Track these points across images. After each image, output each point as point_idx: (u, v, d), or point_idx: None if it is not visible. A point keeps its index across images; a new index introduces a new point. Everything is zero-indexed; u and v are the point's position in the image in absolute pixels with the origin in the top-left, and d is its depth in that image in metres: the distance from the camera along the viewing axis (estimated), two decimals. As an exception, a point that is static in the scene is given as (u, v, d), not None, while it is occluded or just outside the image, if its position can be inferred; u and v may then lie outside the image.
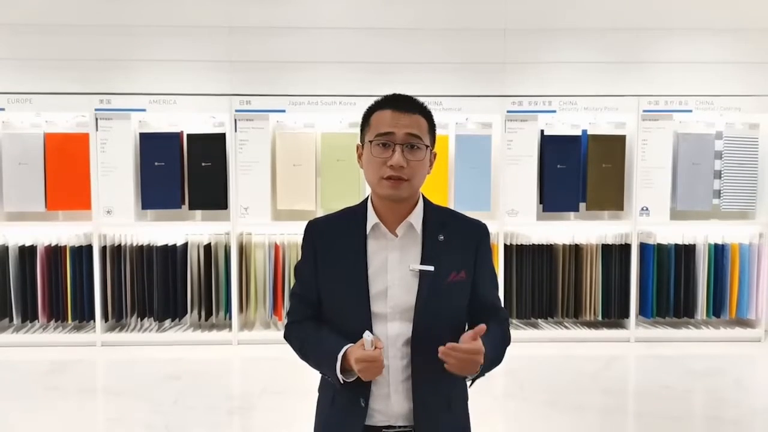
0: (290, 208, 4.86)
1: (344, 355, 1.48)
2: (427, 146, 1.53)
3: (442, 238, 1.57)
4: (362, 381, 1.50)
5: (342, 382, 1.50)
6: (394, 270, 1.54)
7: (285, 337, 1.68)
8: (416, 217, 1.58)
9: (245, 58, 4.93)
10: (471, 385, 1.57)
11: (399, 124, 1.50)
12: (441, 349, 1.41)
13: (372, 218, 1.57)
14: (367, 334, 1.43)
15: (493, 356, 1.53)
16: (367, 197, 1.62)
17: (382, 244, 1.56)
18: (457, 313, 1.59)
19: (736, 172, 4.91)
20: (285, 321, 4.77)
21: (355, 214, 1.61)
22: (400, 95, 1.57)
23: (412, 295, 1.52)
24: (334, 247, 1.58)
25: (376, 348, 1.42)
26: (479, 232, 1.63)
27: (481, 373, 1.50)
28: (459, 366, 1.42)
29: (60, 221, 4.84)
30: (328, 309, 1.59)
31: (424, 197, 1.62)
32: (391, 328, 1.53)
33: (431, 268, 1.53)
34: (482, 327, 1.44)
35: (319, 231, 1.62)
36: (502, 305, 1.69)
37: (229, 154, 4.75)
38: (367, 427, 1.55)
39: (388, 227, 1.57)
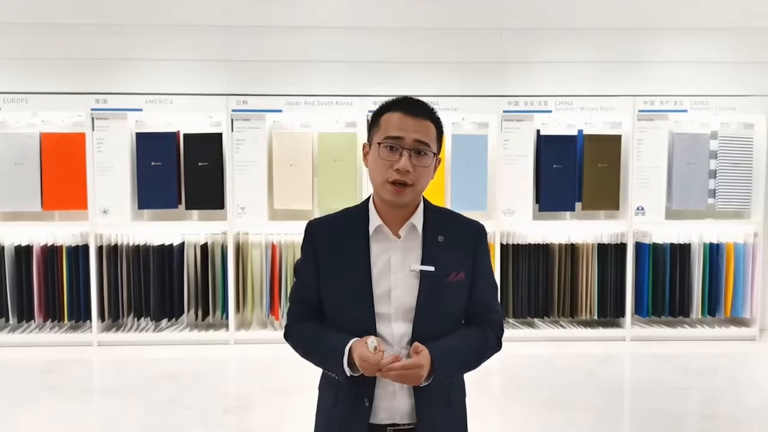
0: (287, 208, 4.86)
1: (350, 349, 1.50)
2: (434, 153, 1.54)
3: (442, 239, 1.58)
4: (366, 380, 1.52)
5: (349, 375, 1.51)
6: (397, 271, 1.56)
7: (285, 337, 1.69)
8: (418, 218, 1.59)
9: (242, 58, 4.92)
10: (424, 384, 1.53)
11: (409, 128, 1.51)
12: (378, 374, 1.46)
13: (375, 220, 1.58)
14: (371, 340, 1.46)
15: (457, 363, 1.56)
16: (368, 198, 1.63)
17: (384, 246, 1.58)
18: (456, 313, 1.61)
19: (730, 172, 4.93)
20: (283, 321, 4.81)
21: (357, 215, 1.61)
22: (411, 99, 1.57)
23: (414, 295, 1.54)
24: (336, 248, 1.59)
25: (378, 352, 1.45)
26: (476, 232, 1.64)
27: (441, 379, 1.52)
28: (400, 379, 1.47)
29: (56, 221, 4.83)
30: (330, 310, 1.60)
31: (424, 198, 1.64)
32: (396, 328, 1.55)
33: (431, 268, 1.55)
34: (416, 345, 1.48)
35: (320, 232, 1.63)
36: (499, 309, 1.69)
37: (225, 153, 4.75)
38: (372, 426, 1.56)
39: (390, 228, 1.58)
